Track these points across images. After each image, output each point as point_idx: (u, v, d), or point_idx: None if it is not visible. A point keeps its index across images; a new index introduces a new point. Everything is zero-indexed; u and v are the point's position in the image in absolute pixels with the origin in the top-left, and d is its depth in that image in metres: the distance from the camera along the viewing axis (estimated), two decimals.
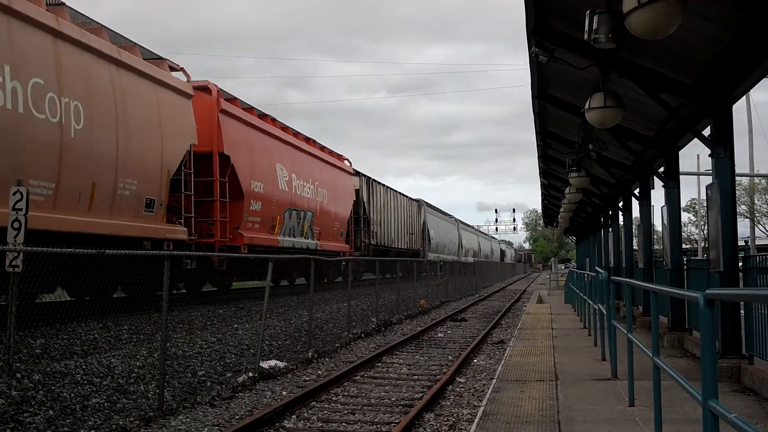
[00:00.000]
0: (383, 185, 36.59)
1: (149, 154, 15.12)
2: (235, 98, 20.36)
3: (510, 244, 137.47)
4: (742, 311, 9.11)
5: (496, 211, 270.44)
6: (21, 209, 9.30)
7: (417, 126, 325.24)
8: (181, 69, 17.26)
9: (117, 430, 7.58)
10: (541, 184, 27.13)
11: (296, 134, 25.41)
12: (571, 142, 15.47)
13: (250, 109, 21.38)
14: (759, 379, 8.21)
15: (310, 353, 13.16)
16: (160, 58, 16.51)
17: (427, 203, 46.68)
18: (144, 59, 15.51)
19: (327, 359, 13.32)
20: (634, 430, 6.61)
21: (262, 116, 22.33)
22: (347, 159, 31.78)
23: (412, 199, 42.87)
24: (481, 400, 9.01)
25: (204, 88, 18.35)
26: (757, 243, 40.36)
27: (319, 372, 11.92)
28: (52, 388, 8.30)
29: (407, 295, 25.69)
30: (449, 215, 60.51)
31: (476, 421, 7.23)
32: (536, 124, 16.15)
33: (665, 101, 10.22)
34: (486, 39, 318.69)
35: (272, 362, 11.67)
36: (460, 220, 64.58)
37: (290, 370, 11.79)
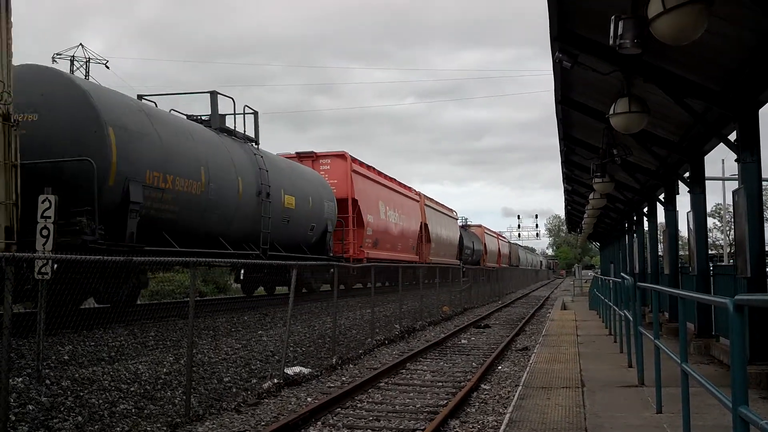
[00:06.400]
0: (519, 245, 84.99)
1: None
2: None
3: (533, 250, 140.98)
4: None
5: (518, 217, 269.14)
6: (50, 217, 9.44)
7: (444, 132, 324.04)
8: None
9: None
10: (564, 190, 27.02)
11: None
12: (595, 147, 15.39)
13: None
14: None
15: (334, 360, 13.19)
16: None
17: (515, 243, 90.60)
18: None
19: (351, 366, 13.35)
20: None
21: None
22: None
23: (505, 241, 76.89)
24: (506, 407, 8.99)
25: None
26: None
27: (344, 378, 11.94)
28: (81, 394, 8.41)
29: (430, 301, 25.66)
30: (519, 245, 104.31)
31: (502, 428, 7.22)
32: (560, 130, 16.09)
33: (690, 106, 10.14)
34: (516, 44, 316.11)
35: (297, 368, 11.72)
36: (518, 244, 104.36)
37: (314, 376, 11.83)
